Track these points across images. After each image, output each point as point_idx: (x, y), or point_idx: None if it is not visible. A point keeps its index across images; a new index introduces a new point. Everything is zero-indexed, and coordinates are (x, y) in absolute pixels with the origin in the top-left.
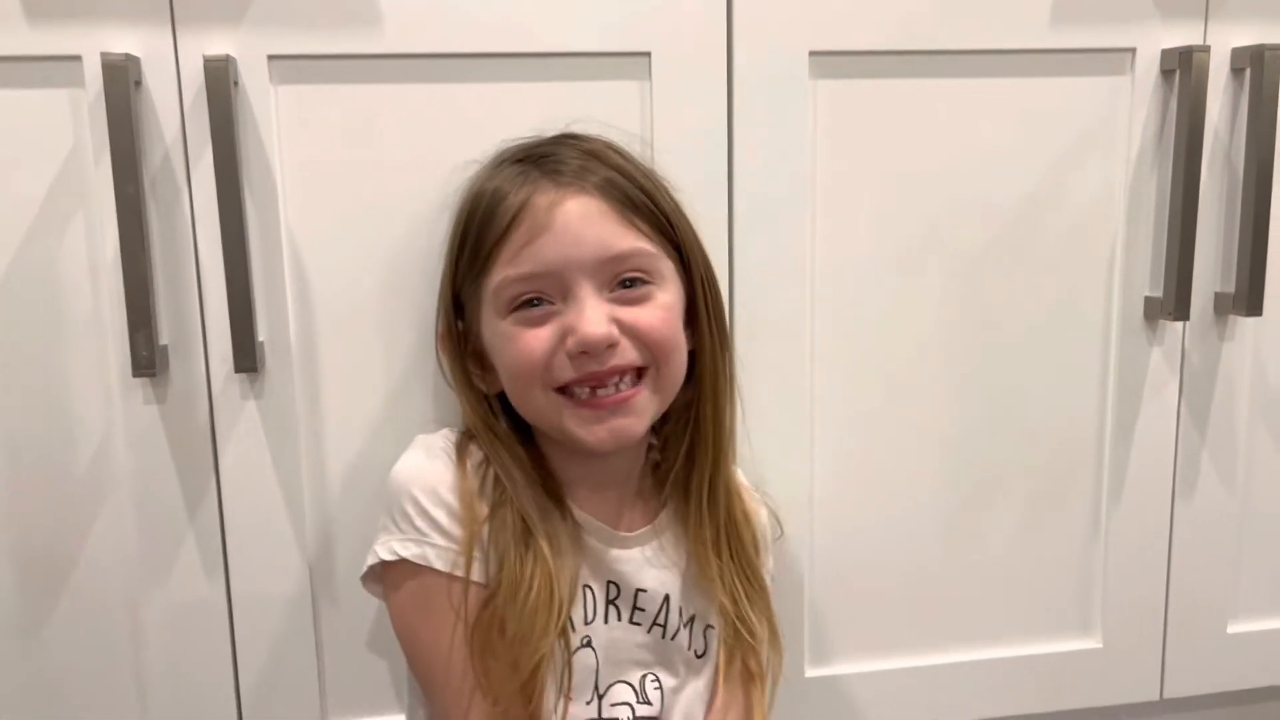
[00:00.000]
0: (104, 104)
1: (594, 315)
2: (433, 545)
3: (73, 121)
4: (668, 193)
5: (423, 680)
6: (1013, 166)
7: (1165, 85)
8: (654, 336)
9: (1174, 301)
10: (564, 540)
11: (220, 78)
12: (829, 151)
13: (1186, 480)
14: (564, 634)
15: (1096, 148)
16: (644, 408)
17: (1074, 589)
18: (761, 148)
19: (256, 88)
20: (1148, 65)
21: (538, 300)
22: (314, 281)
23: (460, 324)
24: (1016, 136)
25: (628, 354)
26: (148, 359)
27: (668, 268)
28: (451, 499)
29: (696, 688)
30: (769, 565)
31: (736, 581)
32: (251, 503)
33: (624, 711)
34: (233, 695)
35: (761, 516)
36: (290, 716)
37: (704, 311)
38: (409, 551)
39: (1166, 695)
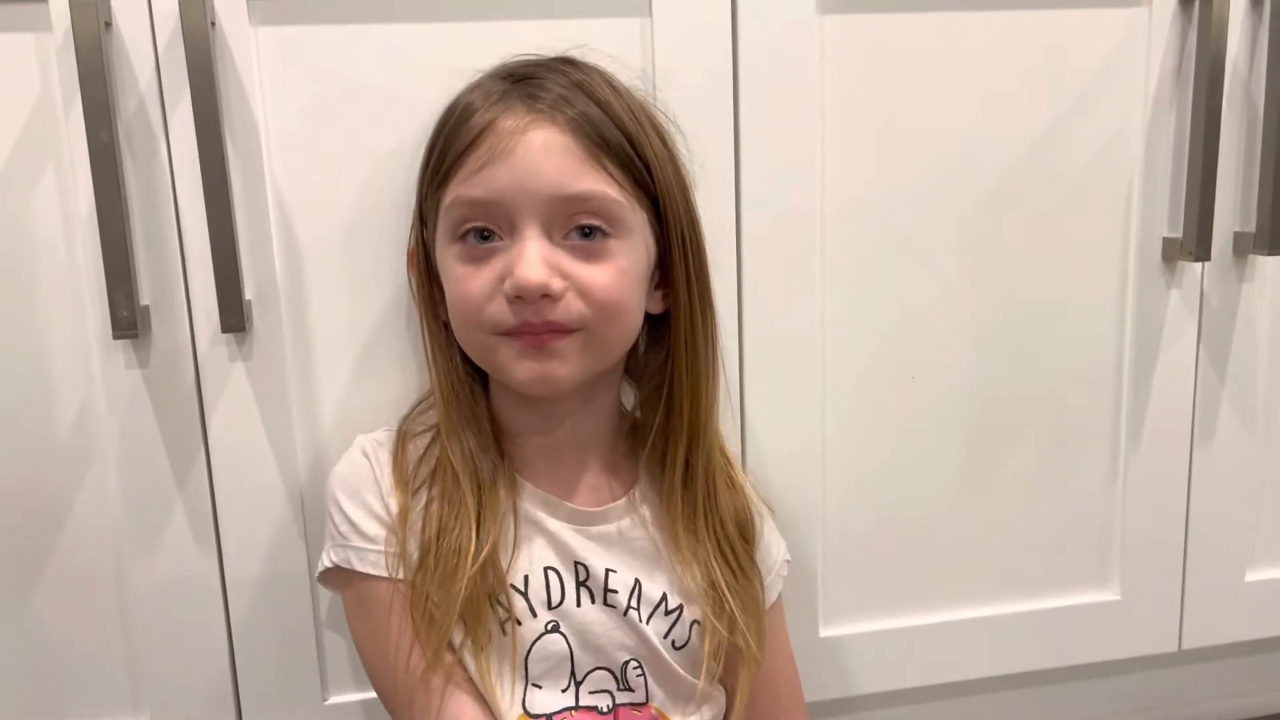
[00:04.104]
0: (72, 47)
1: (532, 259)
2: (354, 549)
3: (39, 67)
4: (658, 138)
5: (375, 685)
6: (1027, 102)
7: (1184, 16)
8: (601, 298)
9: (1195, 241)
10: (500, 497)
11: (196, 17)
12: (837, 89)
13: (1205, 426)
14: (502, 600)
15: (1113, 82)
16: (573, 357)
17: (1091, 540)
18: (768, 87)
19: (235, 28)
20: None
21: (486, 234)
22: (302, 235)
23: (424, 239)
24: (1031, 71)
25: (572, 308)
26: (129, 319)
27: (636, 219)
28: (371, 499)
29: (685, 677)
30: (776, 550)
31: (715, 563)
32: (243, 470)
33: (603, 699)
34: (229, 672)
35: (750, 493)
36: (290, 693)
37: (681, 270)
38: (338, 557)
39: (1185, 646)
